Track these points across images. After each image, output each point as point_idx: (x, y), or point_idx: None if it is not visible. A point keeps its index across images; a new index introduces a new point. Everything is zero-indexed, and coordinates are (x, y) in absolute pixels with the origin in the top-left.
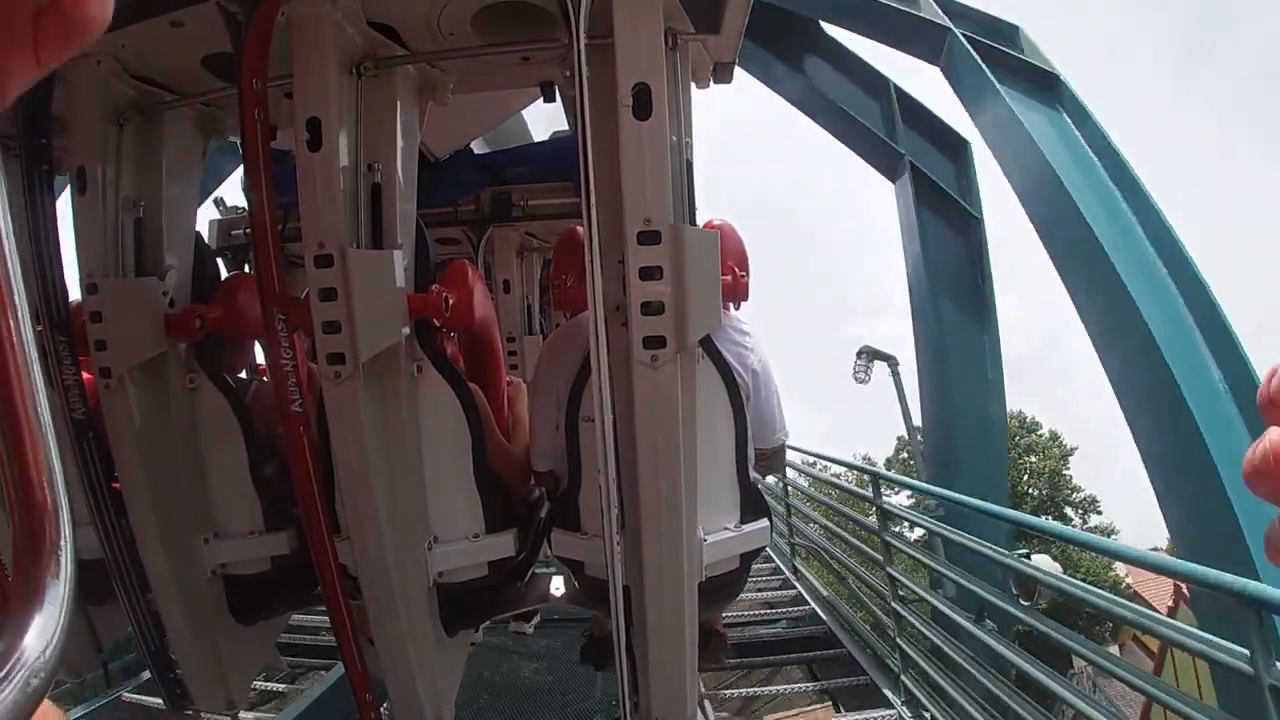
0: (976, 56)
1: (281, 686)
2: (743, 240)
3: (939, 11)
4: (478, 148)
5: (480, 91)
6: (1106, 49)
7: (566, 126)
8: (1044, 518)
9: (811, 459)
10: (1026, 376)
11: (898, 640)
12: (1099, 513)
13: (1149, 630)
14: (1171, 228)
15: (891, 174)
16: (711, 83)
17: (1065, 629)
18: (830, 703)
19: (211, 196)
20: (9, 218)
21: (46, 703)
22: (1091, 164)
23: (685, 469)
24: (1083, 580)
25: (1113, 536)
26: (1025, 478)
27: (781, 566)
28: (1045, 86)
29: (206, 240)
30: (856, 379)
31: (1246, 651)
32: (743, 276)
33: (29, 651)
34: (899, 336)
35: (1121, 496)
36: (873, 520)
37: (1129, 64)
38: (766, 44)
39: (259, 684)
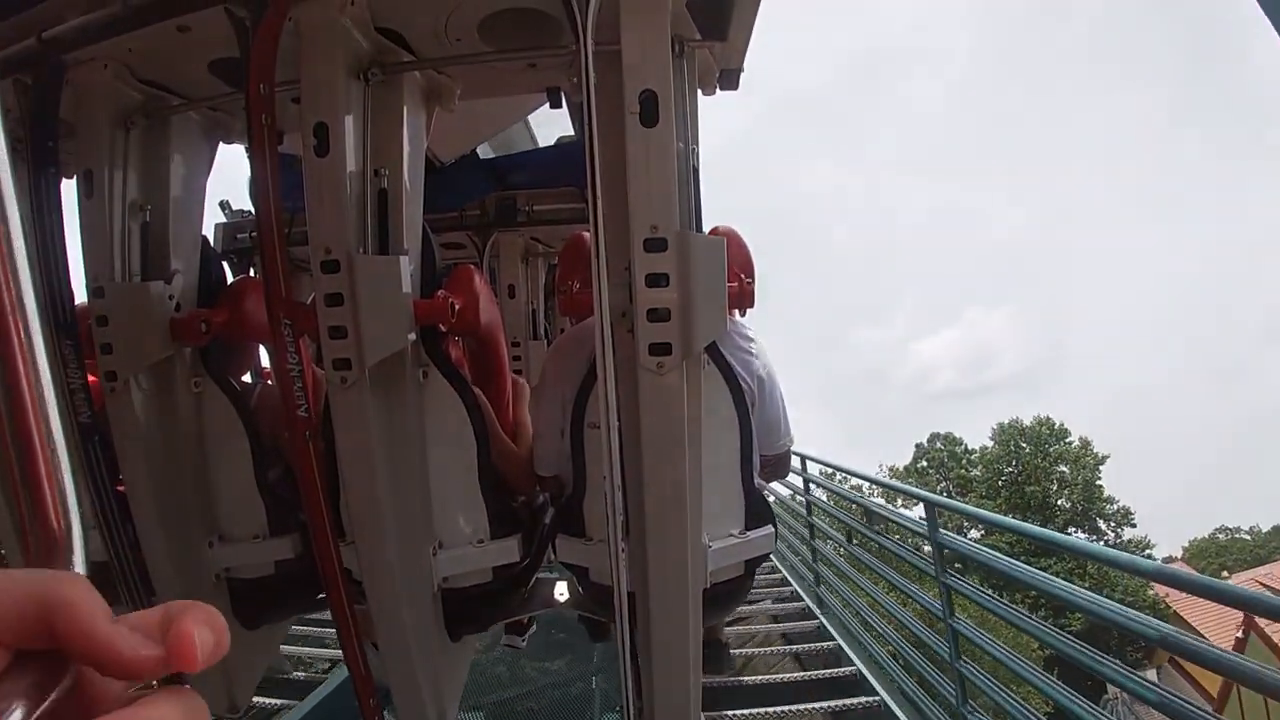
0: None
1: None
2: (748, 246)
3: None
4: (483, 153)
5: (487, 97)
6: (1118, 45)
7: (571, 131)
8: (1073, 532)
9: (837, 472)
10: (1031, 383)
11: (963, 711)
12: (1133, 525)
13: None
14: None
15: None
16: (718, 89)
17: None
18: None
19: (218, 200)
20: (17, 222)
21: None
22: None
23: (690, 475)
24: (1119, 600)
25: (1148, 553)
26: (1055, 488)
27: (801, 594)
28: None
29: (212, 244)
30: None
31: None
32: (748, 283)
33: None
34: (901, 340)
35: (1128, 503)
36: (911, 551)
37: (1134, 65)
38: None
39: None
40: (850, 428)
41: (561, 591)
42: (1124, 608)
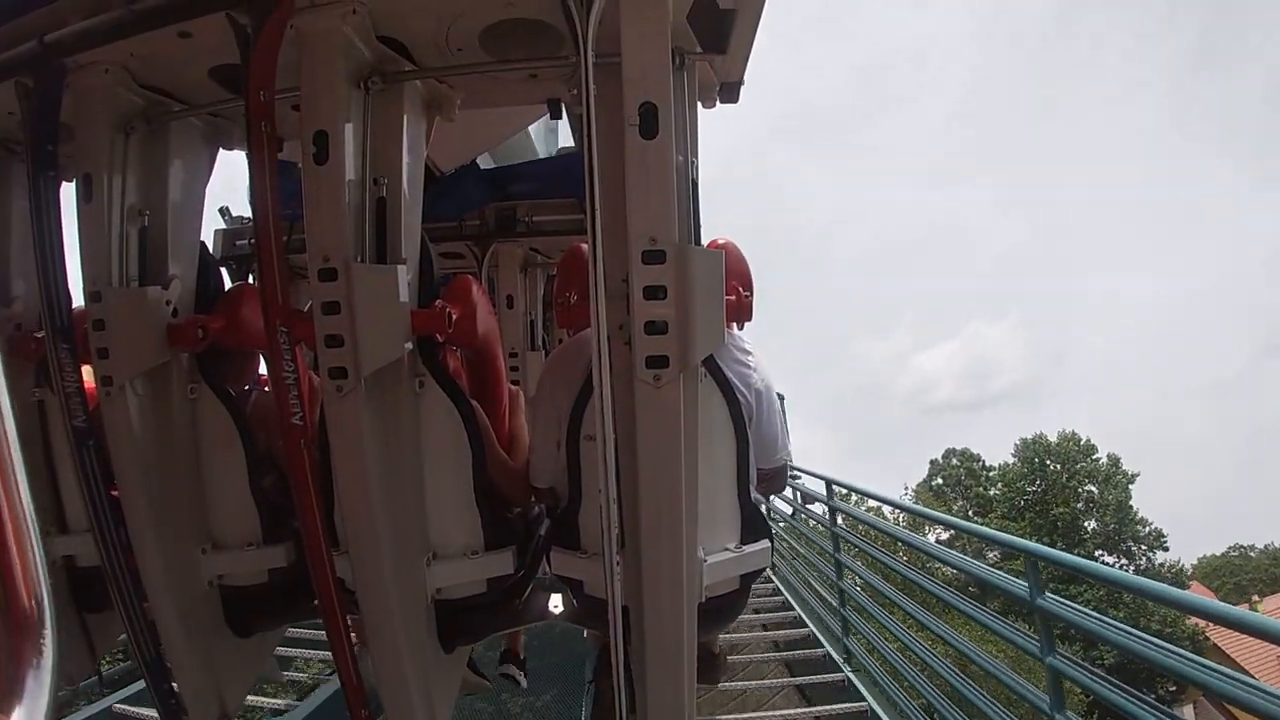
0: None
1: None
2: (747, 260)
3: None
4: (483, 162)
5: (487, 107)
6: (1117, 55)
7: (571, 142)
8: (1101, 556)
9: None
10: (1031, 396)
11: None
12: (1165, 549)
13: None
14: None
15: None
16: (718, 102)
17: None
18: None
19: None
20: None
21: None
22: None
23: (686, 489)
24: (1156, 631)
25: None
26: (1080, 506)
27: (827, 647)
28: None
29: (211, 250)
30: None
31: None
32: (747, 296)
33: None
34: (902, 354)
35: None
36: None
37: (1134, 75)
38: None
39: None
40: (851, 440)
41: (556, 604)
42: (1162, 643)
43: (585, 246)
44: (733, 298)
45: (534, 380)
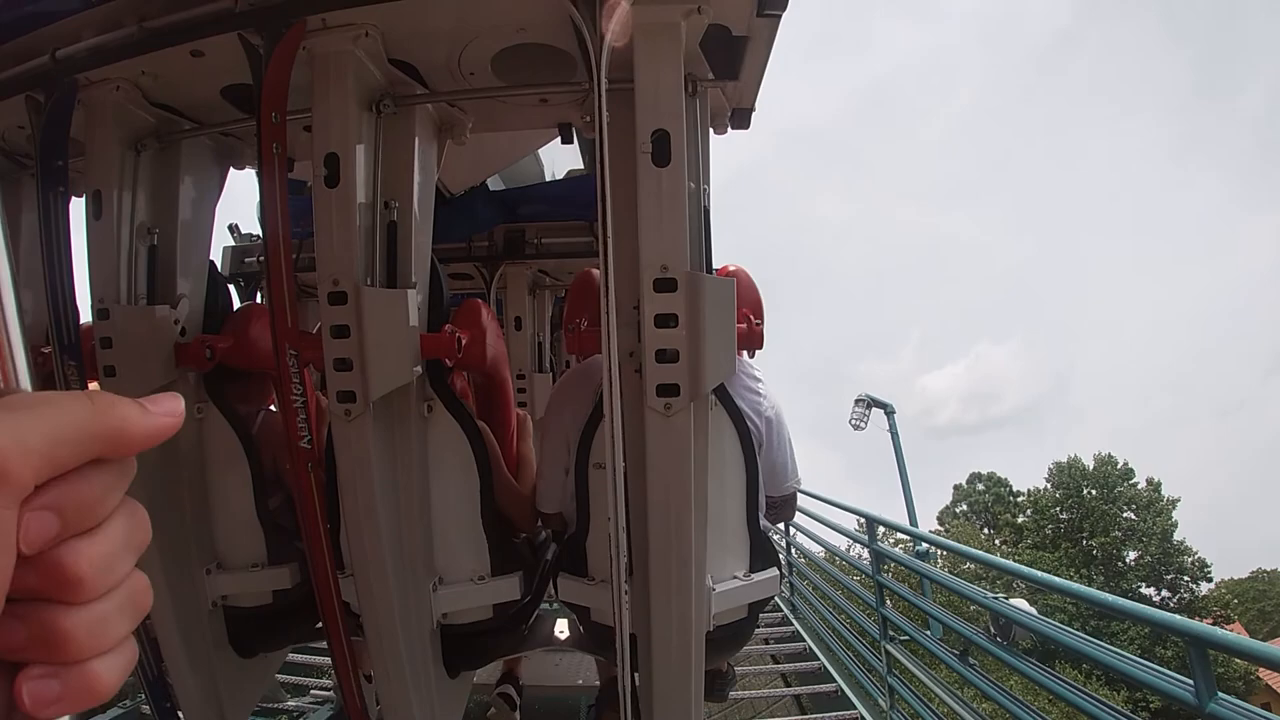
0: None
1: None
2: (758, 287)
3: None
4: (493, 184)
5: (498, 131)
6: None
7: (580, 164)
8: (1140, 587)
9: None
10: (1036, 419)
11: None
12: (1209, 579)
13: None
14: None
15: None
16: (729, 129)
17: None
18: None
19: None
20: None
21: None
22: None
23: (696, 518)
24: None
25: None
26: (1119, 534)
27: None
28: None
29: (220, 267)
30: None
31: None
32: (757, 324)
33: None
34: (905, 376)
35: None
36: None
37: (1141, 98)
38: None
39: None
40: (851, 462)
41: (562, 630)
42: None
43: (596, 272)
44: (743, 326)
45: (541, 402)
